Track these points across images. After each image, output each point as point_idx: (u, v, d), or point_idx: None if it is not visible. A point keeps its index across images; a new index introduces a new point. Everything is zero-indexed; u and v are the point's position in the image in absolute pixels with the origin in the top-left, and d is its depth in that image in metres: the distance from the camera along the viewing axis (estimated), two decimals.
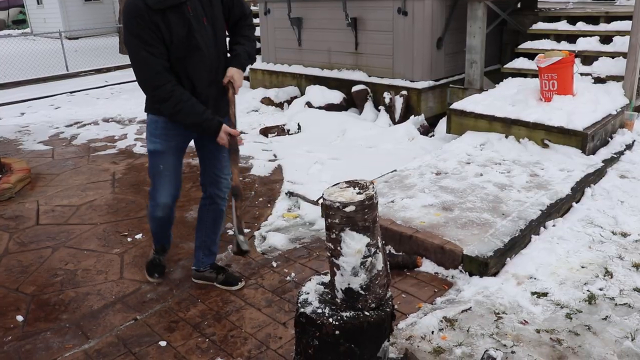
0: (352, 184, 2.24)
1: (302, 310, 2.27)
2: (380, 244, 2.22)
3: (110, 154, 6.59)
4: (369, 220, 2.13)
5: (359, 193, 2.14)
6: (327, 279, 2.48)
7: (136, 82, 3.09)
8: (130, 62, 2.97)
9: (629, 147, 5.51)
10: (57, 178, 5.80)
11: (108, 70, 13.60)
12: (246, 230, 4.30)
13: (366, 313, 2.22)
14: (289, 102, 8.27)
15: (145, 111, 3.21)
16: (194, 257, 3.64)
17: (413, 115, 6.89)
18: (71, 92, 10.88)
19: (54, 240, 4.35)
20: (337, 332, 2.17)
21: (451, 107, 6.03)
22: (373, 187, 2.16)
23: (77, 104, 9.76)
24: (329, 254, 2.23)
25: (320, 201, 4.51)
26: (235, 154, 3.14)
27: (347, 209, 2.08)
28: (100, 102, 9.89)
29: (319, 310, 2.24)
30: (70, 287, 3.66)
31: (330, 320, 2.19)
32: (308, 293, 2.38)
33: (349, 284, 2.20)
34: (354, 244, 2.11)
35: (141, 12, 2.80)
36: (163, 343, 3.04)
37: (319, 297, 2.34)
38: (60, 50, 13.35)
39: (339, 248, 2.15)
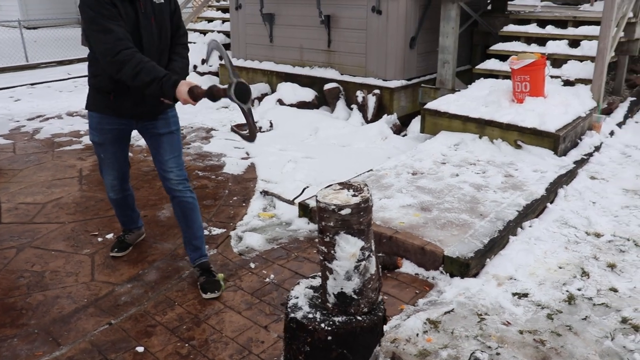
0: (345, 185, 2.19)
1: (292, 315, 2.21)
2: (373, 248, 2.18)
3: (76, 150, 6.37)
4: (364, 224, 2.08)
5: (354, 195, 2.09)
6: (316, 282, 2.43)
7: None
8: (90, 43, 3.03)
9: (597, 148, 5.63)
10: (19, 174, 5.57)
11: (70, 62, 13.19)
12: (221, 230, 4.24)
13: (359, 318, 2.18)
14: (260, 99, 8.16)
15: (85, 108, 3.37)
16: (187, 252, 3.67)
17: (386, 114, 6.88)
18: (32, 84, 10.49)
19: (18, 240, 4.16)
20: (329, 337, 2.12)
21: (425, 106, 6.04)
22: (368, 189, 2.12)
23: (38, 97, 9.41)
24: (321, 258, 2.17)
25: (297, 201, 4.45)
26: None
27: (343, 212, 2.02)
28: (63, 95, 9.57)
29: (310, 316, 2.19)
30: (38, 290, 3.50)
31: (322, 325, 2.13)
32: (297, 297, 2.31)
33: (341, 289, 2.15)
34: (349, 247, 2.06)
35: None
36: (140, 349, 2.92)
37: (309, 301, 2.29)
38: (19, 39, 12.86)
39: (332, 252, 2.10)
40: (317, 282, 2.43)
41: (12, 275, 3.68)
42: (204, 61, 9.85)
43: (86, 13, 2.93)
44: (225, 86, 2.76)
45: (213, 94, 2.85)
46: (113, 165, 3.53)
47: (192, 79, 7.35)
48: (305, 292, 2.35)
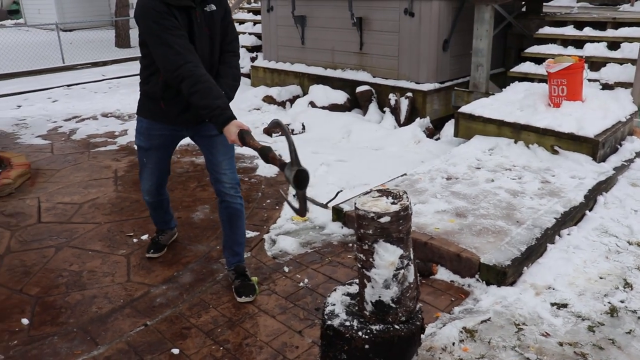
0: (384, 193, 2.17)
1: (329, 322, 2.20)
2: (412, 256, 2.15)
3: (111, 150, 6.47)
4: (403, 232, 2.06)
5: (393, 203, 2.07)
6: (352, 289, 2.41)
7: (134, 77, 3.14)
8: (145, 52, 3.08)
9: (638, 154, 5.48)
10: (57, 174, 5.68)
11: (105, 63, 13.43)
12: (255, 233, 4.25)
13: (396, 327, 2.15)
14: (292, 101, 8.18)
15: (136, 113, 3.41)
16: (224, 256, 3.67)
17: (418, 118, 6.83)
18: (68, 86, 10.72)
19: (57, 240, 4.24)
20: (366, 346, 2.10)
21: (459, 110, 5.97)
22: (407, 197, 2.09)
23: (74, 98, 9.60)
24: (359, 265, 2.16)
25: (330, 205, 4.43)
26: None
27: (382, 220, 2.00)
28: (98, 96, 9.74)
29: (347, 323, 2.17)
30: (77, 290, 3.56)
31: (360, 333, 2.12)
32: (334, 304, 2.30)
33: (379, 297, 2.12)
34: (388, 255, 2.04)
35: (159, 4, 2.87)
36: (175, 351, 2.95)
37: (345, 309, 2.27)
38: (56, 42, 13.15)
39: (371, 260, 2.08)
40: (353, 289, 2.41)
41: (52, 274, 3.75)
42: None
43: (146, 25, 2.89)
44: (281, 158, 2.63)
45: (267, 158, 2.64)
46: (153, 172, 3.52)
47: None
48: (342, 299, 2.34)
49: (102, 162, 6.05)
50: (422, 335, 2.94)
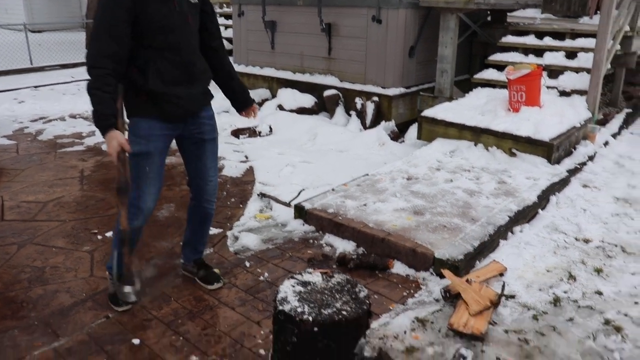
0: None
1: (280, 308, 2.29)
2: None
3: (78, 151, 6.47)
4: None
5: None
6: (305, 278, 2.51)
7: None
8: None
9: (591, 158, 5.72)
10: (22, 173, 5.67)
11: (74, 65, 13.31)
12: (218, 230, 4.33)
13: (344, 311, 2.26)
14: (260, 104, 8.27)
15: (128, 117, 3.08)
16: (182, 251, 3.67)
17: (384, 121, 6.99)
18: (35, 87, 10.61)
19: (20, 237, 4.25)
20: (315, 329, 2.20)
21: (422, 114, 6.14)
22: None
23: (42, 99, 9.53)
24: None
25: (293, 203, 4.54)
26: (122, 193, 3.00)
27: None
28: (66, 97, 9.68)
29: (299, 309, 2.27)
30: (39, 285, 3.58)
31: (309, 317, 2.22)
32: (286, 292, 2.40)
33: None
34: None
35: None
36: (136, 341, 3.00)
37: (297, 295, 2.37)
38: (24, 43, 13.01)
39: None
40: (306, 277, 2.51)
41: (14, 270, 3.77)
42: None
43: (97, 10, 2.83)
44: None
45: (117, 192, 3.01)
46: (157, 183, 3.15)
47: None
48: (295, 287, 2.44)
49: (69, 162, 6.06)
50: (375, 324, 3.08)
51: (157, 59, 2.93)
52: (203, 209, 3.42)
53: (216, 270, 3.63)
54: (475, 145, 5.60)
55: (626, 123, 7.14)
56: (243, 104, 3.52)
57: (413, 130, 6.71)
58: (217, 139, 3.36)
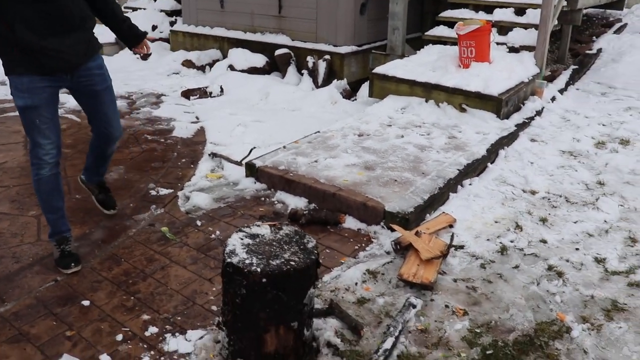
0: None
1: (228, 260, 2.27)
2: None
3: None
4: None
5: None
6: (253, 231, 2.49)
7: None
8: None
9: (538, 113, 5.83)
10: None
11: None
12: (169, 191, 4.25)
13: (292, 262, 2.25)
14: (211, 65, 8.10)
15: (6, 74, 2.99)
16: (84, 172, 3.81)
17: (336, 80, 6.94)
18: None
19: None
20: (264, 280, 2.19)
21: (373, 71, 6.12)
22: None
23: None
24: None
25: (244, 162, 4.49)
26: None
27: None
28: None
29: (247, 261, 2.25)
30: None
31: (257, 268, 2.20)
32: (235, 245, 2.37)
33: None
34: None
35: None
36: (86, 302, 2.95)
37: (245, 248, 2.35)
38: None
39: None
40: (254, 230, 2.49)
41: None
42: (154, 27, 9.66)
43: None
44: None
45: None
46: (53, 131, 3.11)
47: None
48: (243, 240, 2.41)
49: (11, 127, 5.80)
50: (326, 277, 3.10)
51: (25, 9, 2.81)
52: (105, 144, 3.53)
53: (164, 229, 3.63)
54: (427, 101, 5.62)
55: (572, 79, 7.29)
56: (134, 41, 3.51)
57: (365, 88, 6.68)
58: (112, 87, 3.35)
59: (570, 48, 8.51)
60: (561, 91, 6.71)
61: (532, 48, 6.43)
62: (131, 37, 3.48)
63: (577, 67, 7.85)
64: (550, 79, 7.04)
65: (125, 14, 3.46)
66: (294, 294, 2.27)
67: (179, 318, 2.83)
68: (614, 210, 3.91)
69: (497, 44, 6.51)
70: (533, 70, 6.14)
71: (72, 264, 3.24)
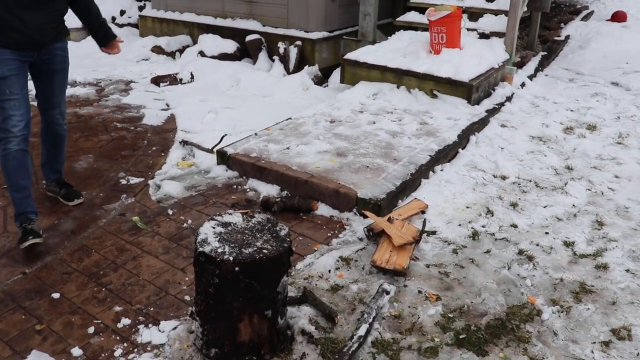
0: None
1: (200, 249, 2.25)
2: None
3: None
4: None
5: None
6: (225, 219, 2.47)
7: None
8: None
9: (508, 99, 5.89)
10: None
11: None
12: (139, 180, 4.19)
13: (264, 250, 2.24)
14: (181, 51, 7.96)
15: None
16: (42, 172, 3.87)
17: (307, 66, 6.89)
18: None
19: None
20: (236, 268, 2.18)
21: (345, 57, 6.10)
22: None
23: None
24: None
25: (215, 149, 4.44)
26: None
27: None
28: None
29: (219, 250, 2.23)
30: None
31: (230, 257, 2.18)
32: (207, 233, 2.35)
33: None
34: None
35: None
36: (56, 295, 2.90)
37: (217, 236, 2.33)
38: None
39: None
40: (226, 218, 2.47)
41: None
42: (122, 12, 9.45)
43: None
44: None
45: None
46: (22, 104, 3.18)
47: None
48: (215, 229, 2.39)
49: None
50: (299, 265, 3.09)
51: None
52: (53, 130, 3.62)
53: (135, 219, 3.59)
54: (398, 87, 5.62)
55: (541, 65, 7.38)
56: (103, 39, 3.60)
57: (337, 74, 6.65)
58: (68, 70, 3.53)
59: (539, 34, 8.61)
60: (530, 77, 6.79)
61: (502, 34, 6.47)
62: (102, 36, 3.58)
63: (545, 53, 7.95)
64: (520, 65, 7.12)
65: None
66: (267, 283, 2.26)
67: (152, 309, 2.80)
68: (582, 194, 3.98)
69: (468, 30, 6.53)
70: (503, 56, 6.19)
71: (30, 237, 3.20)
